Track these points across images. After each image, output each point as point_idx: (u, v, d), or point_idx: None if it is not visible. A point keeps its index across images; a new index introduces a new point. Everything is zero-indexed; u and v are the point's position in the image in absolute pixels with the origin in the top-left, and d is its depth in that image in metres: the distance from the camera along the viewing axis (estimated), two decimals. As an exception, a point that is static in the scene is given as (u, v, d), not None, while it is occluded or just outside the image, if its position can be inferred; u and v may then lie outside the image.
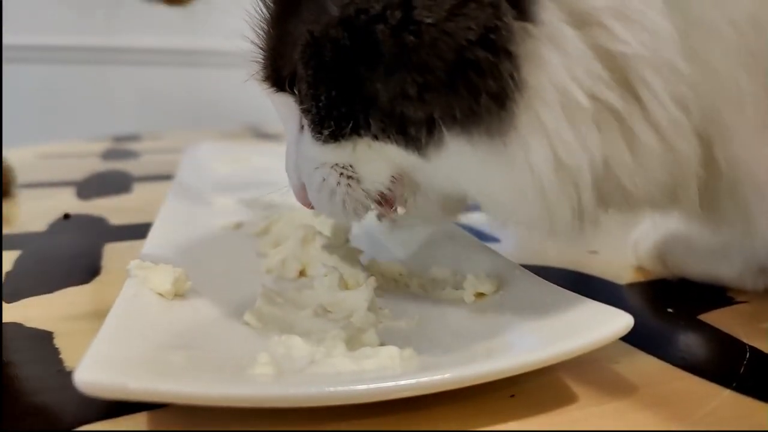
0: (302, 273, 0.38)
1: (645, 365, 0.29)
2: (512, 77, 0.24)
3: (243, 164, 0.76)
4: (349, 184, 0.29)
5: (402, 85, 0.25)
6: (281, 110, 0.32)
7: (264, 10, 0.31)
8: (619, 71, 0.25)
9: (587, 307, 0.28)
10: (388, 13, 0.25)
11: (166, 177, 0.71)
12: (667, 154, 0.26)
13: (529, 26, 0.24)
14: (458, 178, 0.28)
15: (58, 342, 0.31)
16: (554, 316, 0.28)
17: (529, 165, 0.25)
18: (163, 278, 0.30)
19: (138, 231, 0.51)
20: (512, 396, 0.26)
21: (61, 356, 0.29)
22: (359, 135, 0.27)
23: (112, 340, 0.23)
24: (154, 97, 1.78)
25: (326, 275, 0.32)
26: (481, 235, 0.49)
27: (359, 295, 0.31)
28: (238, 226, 0.47)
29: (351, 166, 0.29)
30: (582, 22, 0.24)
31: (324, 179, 0.30)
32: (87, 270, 0.42)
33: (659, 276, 0.41)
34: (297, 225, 0.41)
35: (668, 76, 0.25)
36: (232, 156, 0.78)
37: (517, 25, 0.24)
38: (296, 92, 0.29)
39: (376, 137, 0.27)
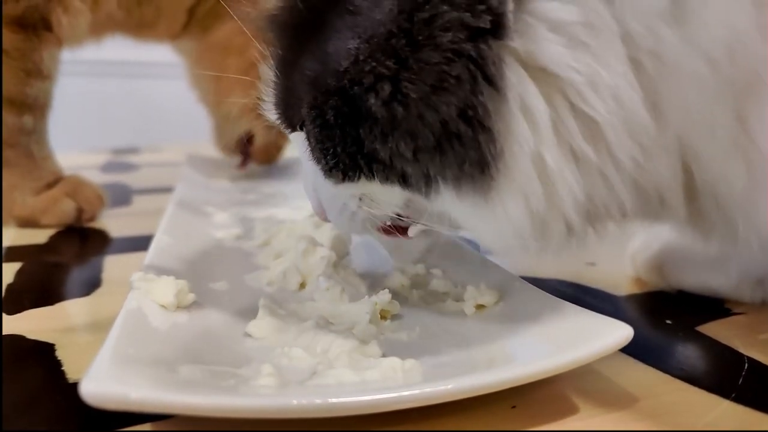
0: (302, 285, 0.38)
1: (644, 376, 0.30)
2: (489, 149, 0.26)
3: (241, 176, 0.77)
4: (369, 208, 0.32)
5: (397, 147, 0.27)
6: (296, 142, 0.34)
7: (272, 58, 0.32)
8: (590, 128, 0.27)
9: (587, 318, 0.28)
10: (378, 86, 0.26)
11: (166, 189, 0.72)
12: (639, 188, 0.29)
13: (501, 103, 0.26)
14: (453, 216, 0.30)
15: (60, 354, 0.31)
16: (554, 327, 0.28)
17: (507, 216, 0.28)
18: (166, 290, 0.30)
19: (138, 243, 0.51)
20: (513, 407, 0.26)
21: (63, 368, 0.30)
22: (367, 180, 0.29)
23: (116, 351, 0.23)
24: (152, 109, 1.79)
25: (328, 288, 0.33)
26: (479, 247, 0.50)
27: (361, 308, 0.32)
28: (239, 238, 0.47)
29: (366, 196, 0.31)
30: (556, 88, 0.26)
31: (345, 204, 0.32)
32: (88, 282, 0.42)
33: (657, 287, 0.42)
34: (297, 237, 0.41)
35: (633, 131, 0.27)
36: (231, 168, 0.79)
37: (492, 102, 0.26)
38: (306, 138, 0.31)
39: (380, 183, 0.29)
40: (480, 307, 0.33)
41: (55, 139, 0.62)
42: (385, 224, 0.33)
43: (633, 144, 0.27)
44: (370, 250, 0.44)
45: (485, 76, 0.25)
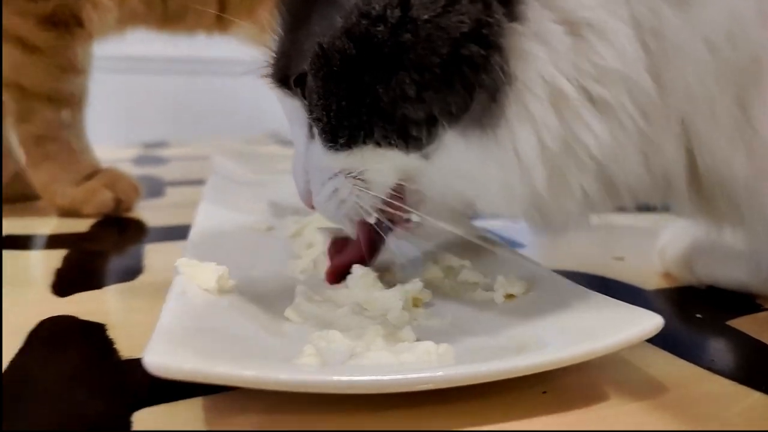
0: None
1: (674, 368, 0.30)
2: (502, 70, 0.26)
3: (269, 169, 0.78)
4: (358, 194, 0.31)
5: (402, 86, 0.27)
6: (291, 118, 0.34)
7: (279, 17, 0.33)
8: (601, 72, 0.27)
9: (617, 308, 0.29)
10: (388, 13, 0.27)
11: (196, 182, 0.73)
12: (644, 156, 0.28)
13: (515, 24, 0.26)
14: (454, 176, 0.30)
15: (112, 333, 0.33)
16: (584, 316, 0.29)
17: (517, 154, 0.27)
18: (209, 275, 0.32)
19: (174, 232, 0.53)
20: (544, 392, 0.27)
21: (115, 346, 0.31)
22: (365, 142, 0.29)
23: (170, 329, 0.24)
24: (175, 105, 1.82)
25: (362, 275, 0.34)
26: (507, 241, 0.50)
27: (394, 295, 0.32)
28: (270, 229, 0.49)
29: (360, 172, 0.31)
30: (566, 25, 0.26)
31: (336, 189, 0.32)
32: (131, 268, 0.44)
33: (686, 283, 0.42)
34: (328, 228, 0.43)
35: (633, 91, 0.27)
36: (259, 161, 0.80)
37: (505, 21, 0.26)
38: (306, 100, 0.31)
39: (379, 144, 0.29)
40: (510, 296, 0.34)
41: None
42: (368, 219, 0.32)
43: (636, 108, 0.27)
44: (400, 242, 0.45)
45: None
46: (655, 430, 0.25)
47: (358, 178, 0.31)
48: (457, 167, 0.29)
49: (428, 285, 0.36)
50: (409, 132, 0.28)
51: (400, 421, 0.24)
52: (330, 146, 0.30)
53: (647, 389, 0.28)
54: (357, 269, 0.35)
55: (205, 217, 0.46)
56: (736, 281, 0.40)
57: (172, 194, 0.73)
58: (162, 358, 0.21)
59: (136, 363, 0.28)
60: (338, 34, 0.28)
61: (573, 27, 0.26)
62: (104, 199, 0.60)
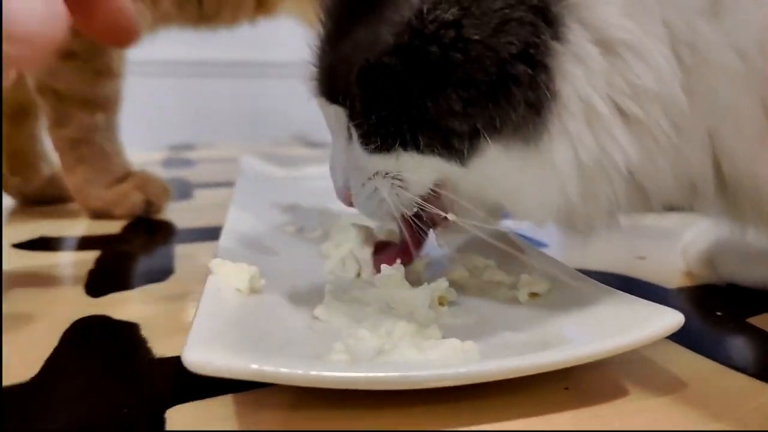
0: (359, 274, 0.40)
1: (694, 364, 0.31)
2: (548, 88, 0.27)
3: (297, 171, 0.79)
4: (397, 193, 0.33)
5: (449, 101, 0.28)
6: (330, 119, 0.35)
7: (320, 28, 0.34)
8: (635, 91, 0.28)
9: (639, 305, 0.29)
10: (442, 33, 0.28)
11: (224, 184, 0.75)
12: (673, 167, 0.30)
13: (557, 44, 0.27)
14: (492, 184, 0.31)
15: (145, 332, 0.34)
16: (607, 313, 0.29)
17: (554, 167, 0.28)
18: (241, 276, 0.33)
19: (204, 234, 0.54)
20: (566, 388, 0.27)
21: (149, 345, 0.32)
22: (406, 149, 0.30)
23: (207, 327, 0.26)
24: (201, 108, 1.84)
25: (390, 275, 0.35)
26: (529, 241, 0.51)
27: (420, 294, 0.33)
28: (299, 230, 0.50)
29: (399, 173, 0.32)
30: (603, 46, 0.28)
31: (376, 189, 0.33)
32: (162, 269, 0.46)
33: (708, 281, 0.42)
34: (356, 228, 0.44)
35: (668, 108, 0.28)
36: (287, 164, 0.81)
37: (551, 43, 0.27)
38: (348, 107, 0.32)
39: (420, 151, 0.30)
40: (533, 295, 0.35)
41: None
42: (410, 216, 0.34)
43: (669, 124, 0.28)
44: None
45: (546, 20, 0.27)
46: (674, 425, 0.25)
47: (397, 178, 0.32)
48: (496, 177, 0.31)
49: (454, 284, 0.37)
50: (452, 143, 0.29)
51: (425, 416, 0.25)
52: (371, 150, 0.31)
53: (667, 385, 0.28)
54: (385, 269, 0.36)
55: (236, 219, 0.47)
56: (758, 279, 0.40)
57: (200, 196, 0.75)
58: (200, 356, 0.22)
59: (169, 361, 0.30)
60: (388, 50, 0.29)
61: (610, 47, 0.27)
62: (135, 201, 0.62)
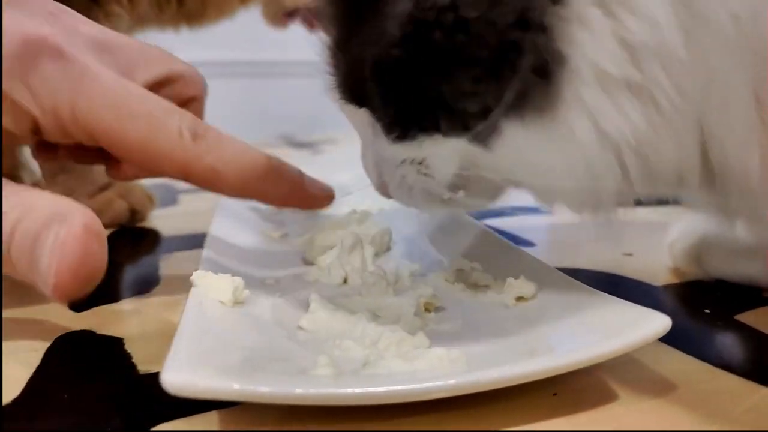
0: (345, 280, 0.39)
1: (683, 365, 0.30)
2: (550, 50, 0.27)
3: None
4: (424, 180, 0.33)
5: (458, 83, 0.28)
6: (355, 120, 0.36)
7: (327, 36, 0.34)
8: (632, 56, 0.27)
9: (626, 309, 0.29)
10: (441, 18, 0.28)
11: (210, 189, 0.74)
12: (673, 138, 0.29)
13: (558, 8, 0.27)
14: (516, 164, 0.31)
15: (129, 347, 0.33)
16: (594, 318, 0.29)
17: (575, 138, 0.28)
18: (224, 287, 0.32)
19: (189, 241, 0.54)
20: (555, 394, 0.27)
21: (133, 360, 0.32)
22: (428, 133, 0.31)
23: (187, 346, 0.25)
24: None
25: (374, 283, 0.34)
26: (516, 240, 0.51)
27: (405, 301, 0.33)
28: (284, 236, 0.49)
29: (424, 160, 0.33)
30: (602, 6, 0.27)
31: (403, 176, 0.34)
32: (148, 279, 0.45)
33: (695, 277, 0.42)
34: (341, 233, 0.43)
35: (670, 65, 0.27)
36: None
37: (548, 4, 0.27)
38: (368, 104, 0.32)
39: (442, 133, 0.30)
40: (520, 298, 0.34)
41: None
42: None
43: (670, 83, 0.27)
44: (411, 244, 0.46)
45: None
46: (665, 428, 0.25)
47: (422, 164, 0.33)
48: (519, 156, 0.30)
49: (439, 289, 0.36)
50: (470, 124, 0.29)
51: (412, 426, 0.25)
52: (394, 138, 0.32)
53: (656, 388, 0.28)
54: (368, 276, 0.35)
55: (220, 227, 0.47)
56: (745, 275, 0.40)
57: (186, 201, 0.74)
58: (179, 377, 0.22)
59: (154, 377, 0.29)
60: (395, 42, 0.29)
61: (608, 6, 0.27)
62: (119, 209, 0.61)
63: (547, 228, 0.58)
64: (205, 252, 0.39)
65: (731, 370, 0.30)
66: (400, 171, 0.34)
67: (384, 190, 0.37)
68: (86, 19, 0.36)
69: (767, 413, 0.26)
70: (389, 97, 0.30)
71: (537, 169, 0.31)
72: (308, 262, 0.43)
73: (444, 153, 0.32)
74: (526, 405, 0.26)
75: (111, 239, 0.57)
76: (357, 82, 0.32)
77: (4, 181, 0.29)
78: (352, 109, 0.34)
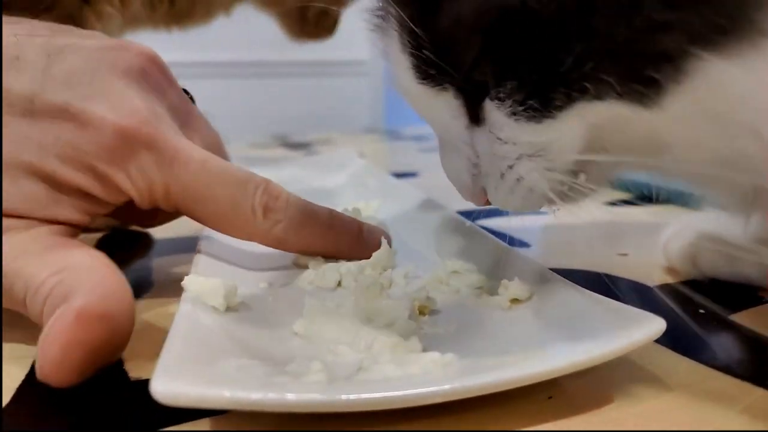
0: (339, 284, 0.39)
1: (678, 366, 0.30)
2: None
3: (277, 174, 0.78)
4: (546, 175, 0.29)
5: (636, 18, 0.23)
6: (436, 113, 0.31)
7: (392, 13, 0.29)
8: None
9: (620, 311, 0.29)
10: None
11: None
12: None
13: None
14: (707, 118, 0.25)
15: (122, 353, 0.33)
16: (588, 320, 0.29)
17: None
18: (216, 292, 0.32)
19: (182, 244, 0.53)
20: (550, 398, 0.27)
21: (125, 367, 0.32)
22: (571, 103, 0.25)
23: (177, 354, 0.25)
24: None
25: (368, 286, 0.34)
26: (511, 240, 0.51)
27: (399, 304, 0.33)
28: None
29: (543, 149, 0.28)
30: None
31: (520, 177, 0.29)
32: (141, 283, 0.45)
33: (690, 277, 0.42)
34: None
35: None
36: (267, 166, 0.80)
37: None
38: (478, 79, 0.27)
39: (596, 96, 0.25)
40: (515, 301, 0.34)
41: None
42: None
43: None
44: (405, 245, 0.45)
45: None
46: (660, 430, 0.25)
47: (542, 157, 0.28)
48: (710, 97, 0.24)
49: (433, 291, 0.36)
50: (644, 74, 0.23)
51: (407, 429, 0.25)
52: (528, 117, 0.26)
53: (651, 390, 0.28)
54: (362, 279, 0.35)
55: (212, 231, 0.46)
56: (740, 274, 0.40)
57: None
58: (168, 386, 0.22)
59: (145, 384, 0.29)
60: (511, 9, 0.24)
61: None
62: (112, 212, 0.61)
63: (542, 229, 0.58)
64: (198, 256, 0.39)
65: (726, 371, 0.30)
66: (517, 170, 0.29)
67: (479, 198, 0.32)
68: (168, 72, 0.42)
69: (763, 415, 0.26)
70: (522, 58, 0.25)
71: (746, 108, 0.24)
72: (302, 266, 0.42)
73: (569, 135, 0.27)
74: (520, 409, 0.26)
75: (102, 243, 0.57)
76: (460, 53, 0.27)
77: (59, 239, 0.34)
78: (432, 101, 0.30)
